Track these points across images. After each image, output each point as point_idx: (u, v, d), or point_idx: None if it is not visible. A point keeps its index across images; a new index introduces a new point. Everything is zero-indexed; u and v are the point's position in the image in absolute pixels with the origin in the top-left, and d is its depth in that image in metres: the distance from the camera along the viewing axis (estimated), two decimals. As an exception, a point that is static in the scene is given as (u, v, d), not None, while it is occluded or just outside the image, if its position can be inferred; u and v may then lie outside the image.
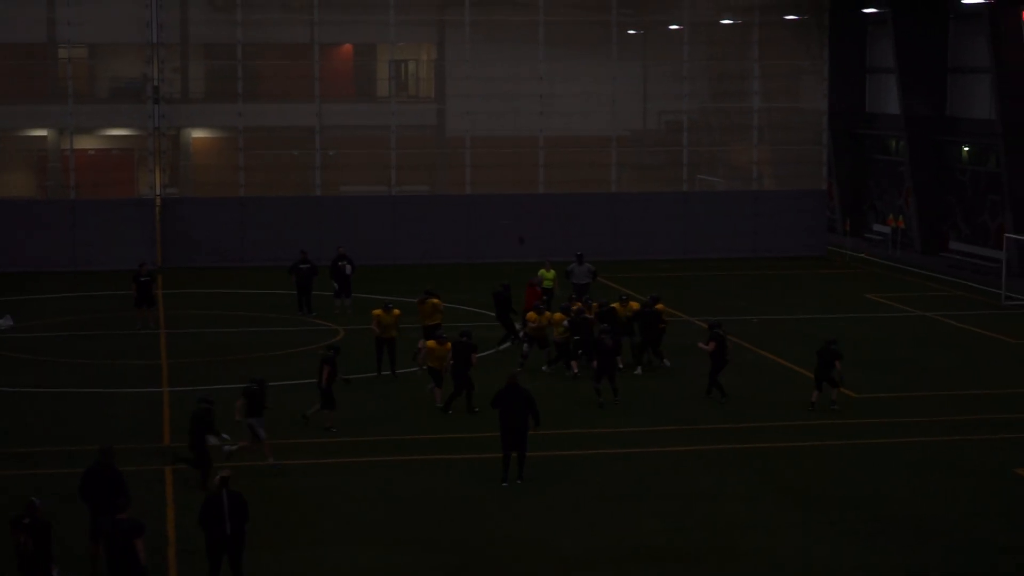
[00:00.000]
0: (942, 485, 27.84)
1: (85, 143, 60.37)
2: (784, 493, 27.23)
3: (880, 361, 39.43)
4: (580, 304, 37.89)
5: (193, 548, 22.67)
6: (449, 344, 33.48)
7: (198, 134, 62.51)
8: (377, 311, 36.42)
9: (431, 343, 34.03)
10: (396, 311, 36.54)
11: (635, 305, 38.16)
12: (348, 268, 45.63)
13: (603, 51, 60.02)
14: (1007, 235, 53.30)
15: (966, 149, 61.43)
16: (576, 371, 36.58)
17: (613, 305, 38.16)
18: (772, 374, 37.14)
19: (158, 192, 57.83)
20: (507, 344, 40.47)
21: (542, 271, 43.72)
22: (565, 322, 37.00)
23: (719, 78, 62.66)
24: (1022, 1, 53.38)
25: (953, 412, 33.31)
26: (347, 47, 64.13)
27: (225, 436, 27.63)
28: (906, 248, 63.30)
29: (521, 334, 38.94)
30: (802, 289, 52.63)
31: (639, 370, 37.45)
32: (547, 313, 37.89)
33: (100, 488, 22.04)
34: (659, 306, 37.93)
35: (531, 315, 37.87)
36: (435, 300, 38.80)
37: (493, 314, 41.55)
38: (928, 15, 61.47)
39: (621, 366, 35.74)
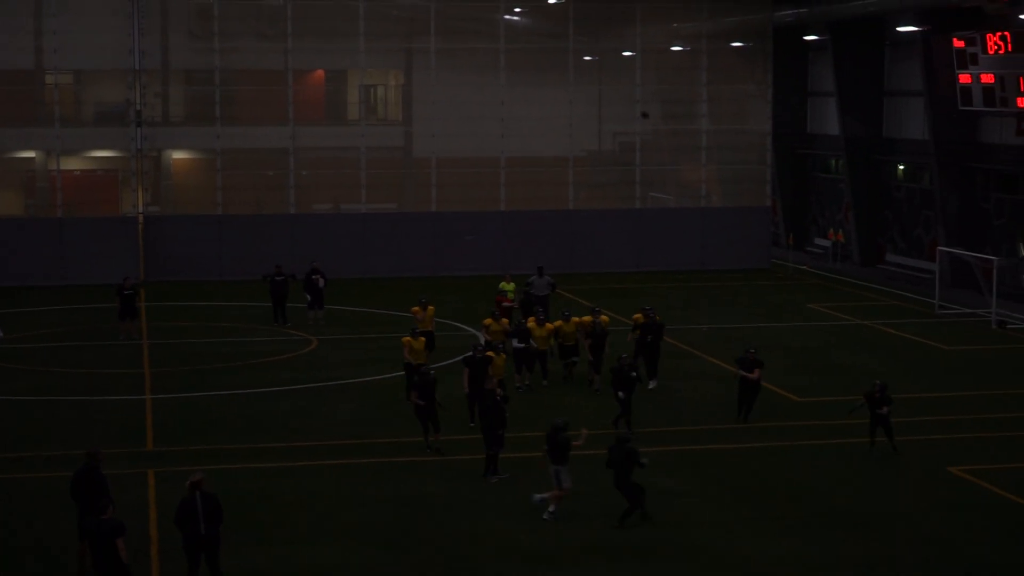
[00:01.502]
0: (881, 483, 27.88)
1: (71, 164, 60.04)
2: (731, 491, 27.18)
3: (821, 367, 39.52)
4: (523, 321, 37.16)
5: (173, 547, 22.44)
6: (423, 340, 34.69)
7: (178, 155, 62.26)
8: (406, 338, 34.43)
9: (406, 338, 34.44)
10: (423, 338, 34.83)
11: (588, 318, 37.23)
12: (321, 281, 45.46)
13: (561, 76, 60.06)
14: (940, 248, 53.50)
15: (901, 168, 61.65)
16: (520, 384, 35.88)
17: (558, 323, 36.95)
18: (720, 380, 37.07)
19: (140, 210, 57.52)
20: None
21: (503, 283, 43.60)
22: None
23: (670, 102, 62.74)
24: (953, 28, 53.64)
25: (891, 415, 33.27)
26: (319, 73, 63.98)
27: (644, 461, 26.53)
28: (846, 260, 63.51)
29: (482, 343, 38.41)
30: (748, 300, 52.63)
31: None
32: (504, 320, 37.55)
33: (88, 490, 21.89)
34: (603, 318, 36.98)
35: (488, 320, 37.20)
36: (414, 308, 38.63)
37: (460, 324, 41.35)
38: (865, 42, 61.69)
39: (598, 388, 35.25)
